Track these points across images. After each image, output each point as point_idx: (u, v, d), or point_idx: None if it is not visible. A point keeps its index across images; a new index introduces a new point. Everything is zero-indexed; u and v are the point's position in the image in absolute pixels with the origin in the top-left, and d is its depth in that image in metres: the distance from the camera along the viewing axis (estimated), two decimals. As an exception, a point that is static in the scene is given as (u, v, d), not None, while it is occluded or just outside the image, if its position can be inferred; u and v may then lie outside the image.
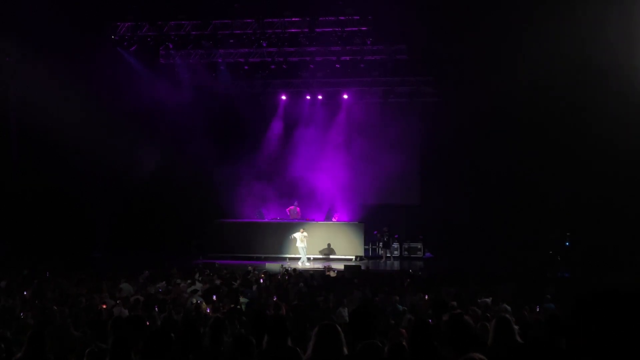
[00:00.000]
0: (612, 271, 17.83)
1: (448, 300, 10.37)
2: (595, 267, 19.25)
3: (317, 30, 22.84)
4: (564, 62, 19.46)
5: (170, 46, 24.51)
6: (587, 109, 19.98)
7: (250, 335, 6.35)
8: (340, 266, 20.93)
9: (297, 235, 23.64)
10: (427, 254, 26.11)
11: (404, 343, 5.99)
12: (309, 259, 23.70)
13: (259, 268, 20.14)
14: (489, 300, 12.52)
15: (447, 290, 14.10)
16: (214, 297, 13.15)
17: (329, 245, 24.50)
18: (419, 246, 26.31)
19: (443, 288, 14.74)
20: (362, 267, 21.37)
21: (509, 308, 11.49)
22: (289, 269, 19.21)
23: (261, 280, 16.49)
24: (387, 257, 25.91)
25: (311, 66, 25.38)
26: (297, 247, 23.73)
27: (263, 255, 24.04)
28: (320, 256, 24.39)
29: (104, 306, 11.50)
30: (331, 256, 24.28)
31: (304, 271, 19.21)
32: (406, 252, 26.32)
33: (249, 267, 19.29)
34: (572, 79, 19.98)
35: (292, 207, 26.56)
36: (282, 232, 25.03)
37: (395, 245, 26.37)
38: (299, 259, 23.67)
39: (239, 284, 15.67)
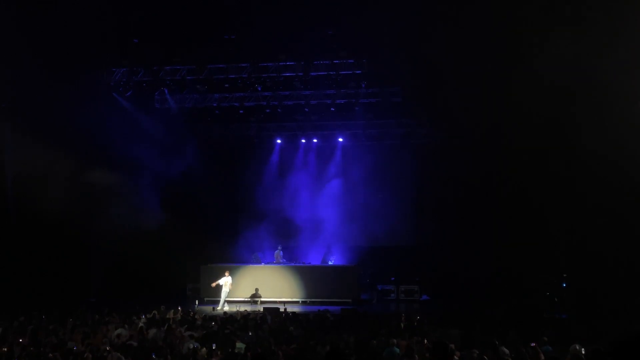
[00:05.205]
0: (609, 314, 17.77)
1: (447, 343, 10.30)
2: (592, 309, 19.16)
3: (312, 73, 23.01)
4: (556, 99, 19.55)
5: (166, 91, 24.72)
6: (583, 147, 19.94)
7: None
8: (337, 309, 20.80)
9: (223, 280, 23.27)
10: (424, 296, 25.89)
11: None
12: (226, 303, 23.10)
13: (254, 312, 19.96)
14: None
15: (446, 333, 14.02)
16: (211, 342, 13.05)
17: (256, 290, 24.18)
18: (416, 288, 26.08)
19: (441, 330, 14.68)
20: (359, 310, 21.20)
21: (507, 351, 11.40)
22: (283, 310, 19.20)
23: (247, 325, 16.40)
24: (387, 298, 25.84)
25: (306, 109, 25.51)
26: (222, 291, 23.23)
27: (259, 300, 23.81)
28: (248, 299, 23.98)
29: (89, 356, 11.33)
30: (258, 300, 23.78)
31: (301, 315, 19.09)
32: (403, 295, 26.09)
33: (246, 312, 19.20)
34: (567, 115, 20.00)
35: (276, 250, 26.50)
36: (279, 275, 24.90)
37: (392, 287, 26.21)
38: (294, 302, 23.62)
39: (236, 328, 15.59)
